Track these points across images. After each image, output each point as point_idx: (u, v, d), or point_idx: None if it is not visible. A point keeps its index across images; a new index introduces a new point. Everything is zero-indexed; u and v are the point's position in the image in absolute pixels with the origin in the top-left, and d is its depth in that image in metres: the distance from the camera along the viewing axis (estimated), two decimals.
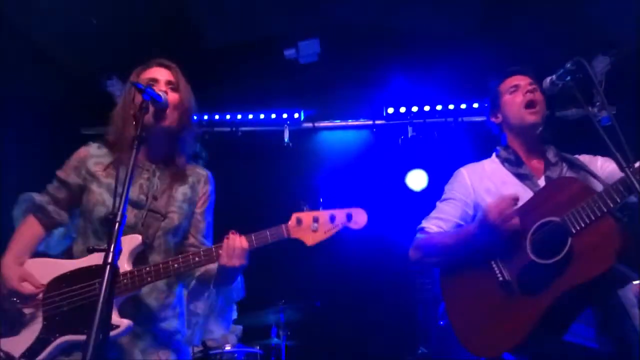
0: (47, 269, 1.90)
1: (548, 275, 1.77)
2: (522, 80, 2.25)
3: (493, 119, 2.35)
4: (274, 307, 4.17)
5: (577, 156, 2.18)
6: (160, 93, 1.93)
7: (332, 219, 1.88)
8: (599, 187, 1.89)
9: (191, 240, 2.15)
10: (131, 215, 1.97)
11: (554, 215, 1.81)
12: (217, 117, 5.89)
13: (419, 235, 2.25)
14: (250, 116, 5.89)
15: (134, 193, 2.00)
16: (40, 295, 1.86)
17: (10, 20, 4.45)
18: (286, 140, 5.81)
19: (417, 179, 5.57)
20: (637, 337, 1.80)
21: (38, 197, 2.09)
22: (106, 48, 4.96)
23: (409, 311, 5.08)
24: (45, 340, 1.79)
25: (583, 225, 1.73)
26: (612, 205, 1.69)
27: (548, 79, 1.97)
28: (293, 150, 5.81)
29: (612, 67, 4.85)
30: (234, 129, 5.90)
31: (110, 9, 4.54)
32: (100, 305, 1.12)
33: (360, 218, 1.90)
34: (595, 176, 1.98)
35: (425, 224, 2.27)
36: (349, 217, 1.89)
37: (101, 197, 1.98)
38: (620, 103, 4.44)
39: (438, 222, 2.23)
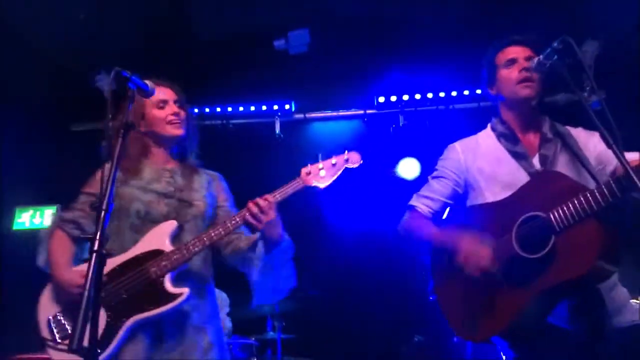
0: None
1: (531, 270, 1.80)
2: (520, 53, 2.13)
3: (489, 90, 2.27)
4: None
5: (572, 131, 2.13)
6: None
7: (334, 164, 2.29)
8: (590, 180, 1.90)
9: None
10: (163, 205, 2.19)
11: (541, 209, 1.82)
12: (207, 110, 5.87)
13: (407, 215, 2.28)
14: (241, 108, 5.88)
15: (162, 186, 2.23)
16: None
17: None
18: (277, 131, 5.80)
19: (409, 168, 5.58)
20: (609, 321, 1.84)
21: (66, 213, 2.25)
22: (95, 43, 4.91)
23: (403, 300, 5.10)
24: (114, 326, 1.94)
25: (567, 224, 1.74)
26: (596, 209, 1.68)
27: (535, 60, 1.93)
28: (285, 141, 5.80)
29: (601, 52, 4.85)
30: (224, 121, 5.89)
31: (100, 2, 4.50)
32: (87, 290, 1.13)
33: (355, 158, 2.31)
34: (585, 166, 1.95)
35: (415, 202, 2.28)
36: (347, 160, 2.30)
37: (134, 195, 2.18)
38: (609, 88, 4.44)
39: (427, 202, 2.25)
